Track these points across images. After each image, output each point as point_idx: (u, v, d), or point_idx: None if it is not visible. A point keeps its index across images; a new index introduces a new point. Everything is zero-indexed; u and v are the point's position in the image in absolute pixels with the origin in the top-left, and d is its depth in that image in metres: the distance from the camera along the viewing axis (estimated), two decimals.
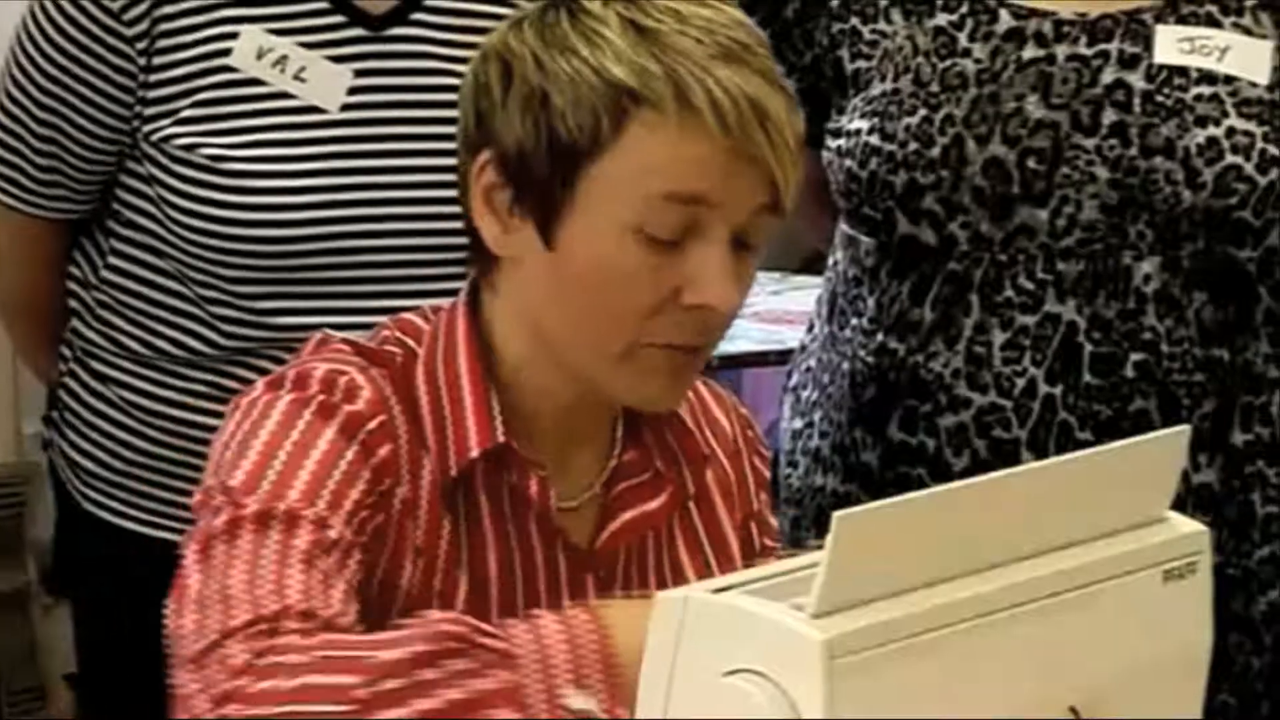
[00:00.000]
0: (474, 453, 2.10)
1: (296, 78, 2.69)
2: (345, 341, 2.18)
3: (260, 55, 2.70)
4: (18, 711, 4.12)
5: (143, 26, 2.69)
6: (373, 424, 2.08)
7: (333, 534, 2.06)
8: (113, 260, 2.78)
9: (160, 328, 2.74)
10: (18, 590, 4.07)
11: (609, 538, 2.18)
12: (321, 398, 2.10)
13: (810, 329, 2.80)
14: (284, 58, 2.71)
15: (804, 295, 2.79)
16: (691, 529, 2.26)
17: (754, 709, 1.72)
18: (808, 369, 2.78)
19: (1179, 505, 2.32)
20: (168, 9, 2.69)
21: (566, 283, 2.08)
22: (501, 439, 2.09)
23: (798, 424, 2.77)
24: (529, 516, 2.15)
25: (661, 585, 2.19)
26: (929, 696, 1.77)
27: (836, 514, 1.68)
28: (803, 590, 1.71)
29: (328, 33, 2.72)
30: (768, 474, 2.33)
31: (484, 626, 1.98)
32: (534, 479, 2.12)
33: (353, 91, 2.66)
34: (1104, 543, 1.91)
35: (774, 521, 2.34)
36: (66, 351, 2.87)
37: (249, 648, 1.97)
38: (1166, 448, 1.98)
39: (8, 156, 2.81)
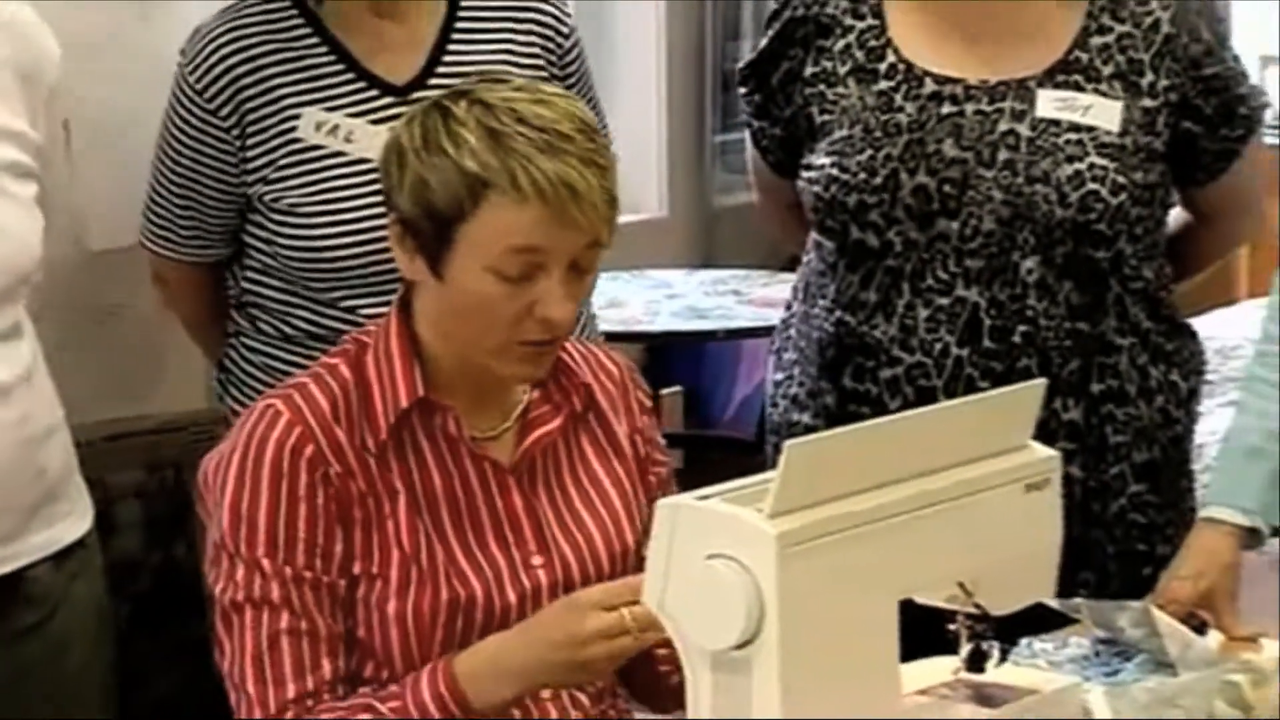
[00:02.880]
0: (404, 404, 2.22)
1: (346, 140, 2.77)
2: (313, 366, 2.31)
3: (318, 128, 2.77)
4: None
5: (234, 119, 2.79)
6: (292, 442, 2.19)
7: (304, 593, 2.19)
8: (246, 279, 2.87)
9: (277, 316, 2.85)
10: None
11: (522, 454, 2.28)
12: (248, 439, 2.20)
13: (789, 308, 2.88)
14: (335, 127, 2.77)
15: (786, 287, 2.88)
16: (594, 439, 2.35)
17: (728, 583, 1.85)
18: (787, 337, 2.86)
19: (1053, 435, 2.59)
20: (249, 105, 2.77)
21: (453, 303, 2.20)
22: (421, 394, 2.22)
23: (779, 376, 2.85)
24: (460, 448, 2.25)
25: (575, 481, 2.32)
26: (854, 575, 1.90)
27: (787, 443, 1.90)
28: (763, 498, 1.87)
29: (366, 103, 2.78)
30: (649, 404, 2.42)
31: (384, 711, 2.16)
32: (451, 418, 2.24)
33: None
34: (983, 463, 2.04)
35: (658, 438, 2.42)
36: (228, 336, 2.94)
37: None
38: (1028, 395, 2.13)
39: (159, 222, 2.90)
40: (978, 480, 2.03)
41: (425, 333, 2.25)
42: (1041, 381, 2.15)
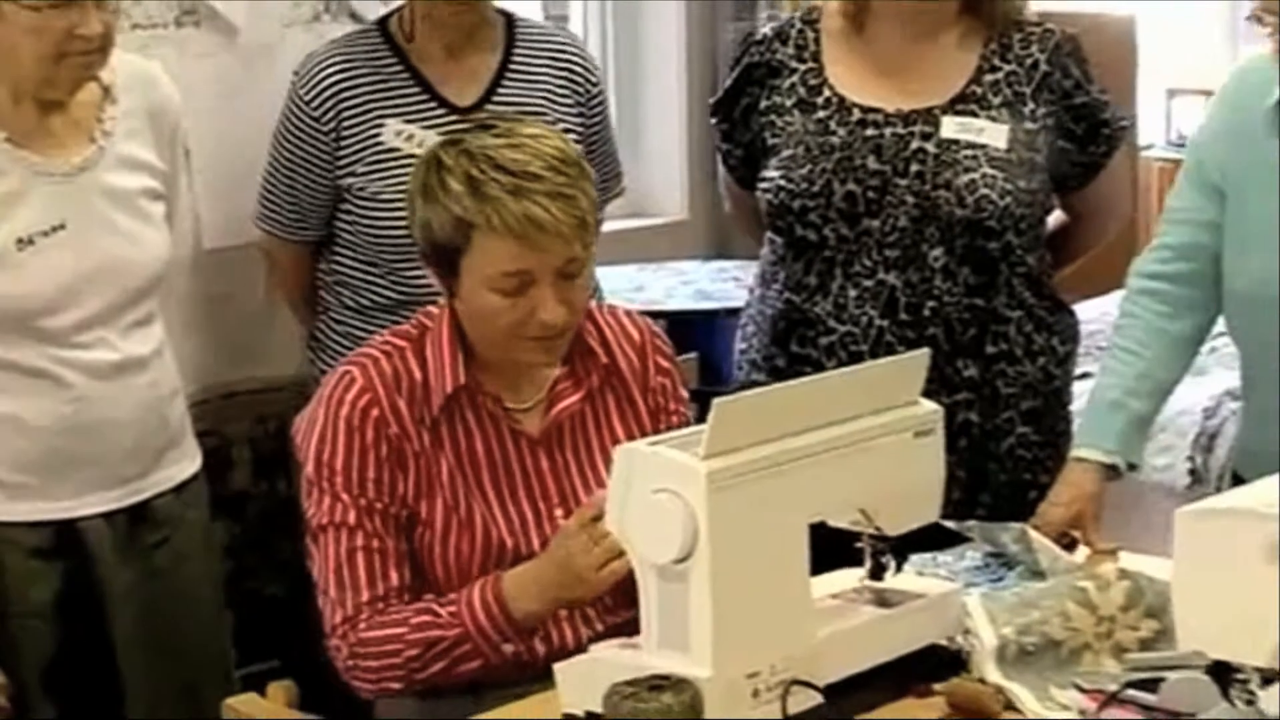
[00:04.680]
0: (449, 389, 2.19)
1: (418, 145, 2.76)
2: (388, 332, 2.28)
3: (397, 135, 2.83)
4: None
5: (332, 125, 2.83)
6: (363, 403, 2.18)
7: (375, 520, 2.17)
8: (335, 257, 2.89)
9: (361, 289, 2.87)
10: None
11: (548, 425, 2.25)
12: (329, 400, 2.19)
13: (751, 292, 2.86)
14: (411, 135, 2.82)
15: None
16: (619, 404, 2.31)
17: (669, 511, 1.88)
18: (749, 315, 2.83)
19: (956, 388, 2.61)
20: (345, 114, 2.80)
21: (470, 312, 2.20)
22: (462, 381, 2.20)
23: (743, 345, 2.83)
24: (499, 422, 2.24)
25: (600, 442, 2.28)
26: (771, 505, 1.92)
27: (715, 400, 1.91)
28: (698, 444, 1.89)
29: (436, 118, 2.80)
30: (666, 364, 2.36)
31: (450, 624, 2.12)
32: (490, 398, 2.23)
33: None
34: (882, 414, 2.06)
35: (677, 389, 2.35)
36: (318, 311, 2.96)
37: (345, 644, 2.16)
38: (916, 361, 2.14)
39: (270, 207, 2.92)
40: (876, 428, 2.04)
41: (467, 327, 2.23)
42: (926, 351, 2.15)
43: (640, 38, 4.63)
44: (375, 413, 2.18)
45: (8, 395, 2.44)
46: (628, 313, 2.38)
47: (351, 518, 2.17)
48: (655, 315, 4.00)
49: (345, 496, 2.17)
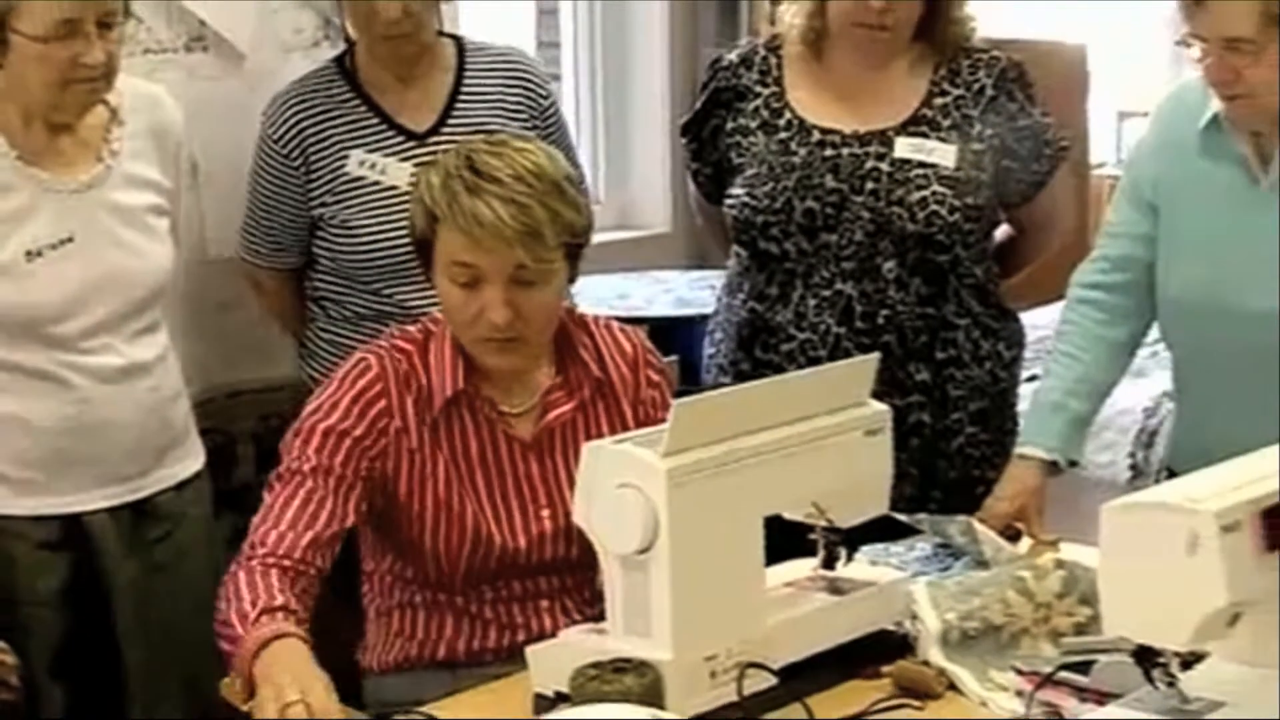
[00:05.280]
0: (448, 394, 2.17)
1: (381, 172, 2.76)
2: (397, 332, 2.24)
3: (361, 164, 2.77)
4: None
5: (300, 160, 2.78)
6: (374, 391, 2.16)
7: (331, 483, 2.11)
8: (316, 276, 2.87)
9: (343, 303, 2.84)
10: None
11: (539, 431, 2.23)
12: (343, 379, 2.17)
13: (719, 300, 2.86)
14: (374, 164, 2.77)
15: None
16: (609, 413, 2.27)
17: (632, 505, 1.88)
18: (717, 322, 2.84)
19: (909, 390, 2.62)
20: (311, 149, 2.77)
21: (441, 303, 2.18)
22: (461, 387, 2.18)
23: (711, 350, 2.84)
24: (494, 426, 2.21)
25: None
26: (727, 500, 1.92)
27: (675, 401, 1.92)
28: (660, 442, 1.89)
29: (395, 146, 2.77)
30: (657, 377, 2.33)
31: (247, 638, 1.95)
32: (486, 403, 2.20)
33: (411, 176, 2.63)
34: (834, 414, 2.06)
35: (667, 399, 2.25)
36: (305, 322, 2.92)
37: (234, 565, 2.09)
38: (866, 364, 2.14)
39: (251, 239, 2.89)
40: (828, 427, 2.04)
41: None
42: (875, 355, 2.15)
43: (627, 64, 4.64)
44: (383, 404, 2.16)
45: (14, 396, 2.44)
46: (622, 327, 2.35)
47: (307, 468, 2.12)
48: (638, 321, 4.03)
49: (311, 454, 2.13)
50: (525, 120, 2.81)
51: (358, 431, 2.15)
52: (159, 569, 2.58)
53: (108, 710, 2.55)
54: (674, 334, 3.99)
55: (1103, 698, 1.84)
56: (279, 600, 2.01)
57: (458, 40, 2.86)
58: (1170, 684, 1.74)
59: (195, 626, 2.52)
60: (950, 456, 2.69)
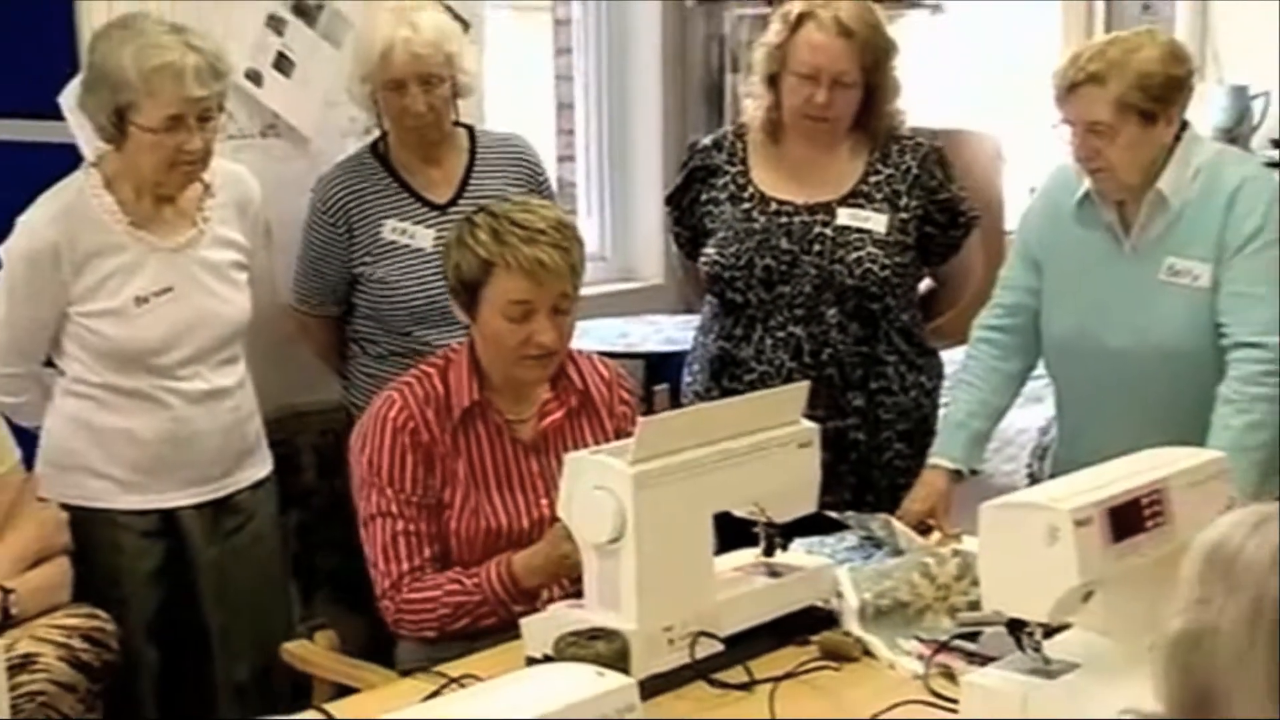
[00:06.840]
0: (466, 404, 2.21)
1: (410, 237, 2.76)
2: (423, 363, 2.27)
3: (394, 230, 2.77)
4: None
5: (344, 227, 2.79)
6: (401, 419, 2.19)
7: (411, 509, 2.16)
8: (356, 321, 2.83)
9: (378, 344, 2.81)
10: None
11: (535, 435, 2.26)
12: (376, 417, 2.19)
13: (695, 338, 2.83)
14: (405, 230, 2.77)
15: None
16: (591, 422, 2.31)
17: (605, 503, 1.89)
18: (694, 356, 2.81)
19: (847, 414, 2.60)
20: (354, 218, 2.77)
21: (484, 336, 2.22)
22: (476, 398, 2.21)
23: (688, 379, 2.81)
24: (502, 432, 2.24)
25: (575, 450, 2.06)
26: (683, 500, 1.93)
27: (641, 419, 1.94)
28: (628, 452, 1.90)
29: (421, 216, 2.77)
30: (627, 397, 2.34)
31: (473, 592, 2.08)
32: (496, 413, 2.23)
33: (435, 240, 2.70)
34: (772, 430, 2.06)
35: (635, 415, 2.25)
36: (345, 359, 2.91)
37: (392, 604, 2.15)
38: (799, 390, 2.13)
39: (301, 292, 2.86)
40: (766, 441, 2.03)
41: (481, 355, 2.26)
42: (805, 384, 2.14)
43: (629, 147, 4.65)
44: (411, 425, 2.19)
45: (123, 414, 2.50)
46: (600, 358, 2.41)
47: (394, 508, 2.17)
48: (635, 355, 4.05)
49: (389, 491, 2.18)
50: (525, 190, 2.83)
51: (408, 459, 2.18)
52: (235, 553, 2.62)
53: (193, 668, 2.60)
54: (664, 366, 4.01)
55: (986, 661, 1.85)
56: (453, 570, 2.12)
57: (469, 128, 2.88)
58: (1036, 649, 1.76)
59: (264, 599, 2.65)
60: (882, 468, 2.68)
